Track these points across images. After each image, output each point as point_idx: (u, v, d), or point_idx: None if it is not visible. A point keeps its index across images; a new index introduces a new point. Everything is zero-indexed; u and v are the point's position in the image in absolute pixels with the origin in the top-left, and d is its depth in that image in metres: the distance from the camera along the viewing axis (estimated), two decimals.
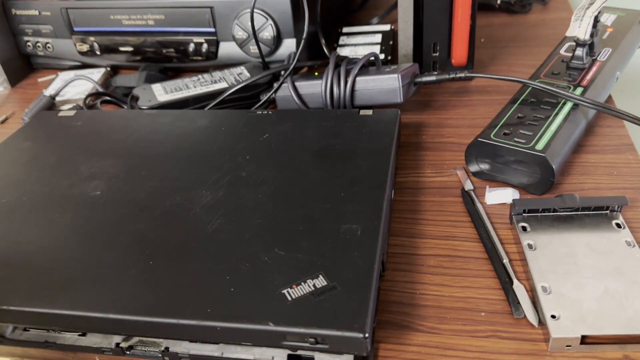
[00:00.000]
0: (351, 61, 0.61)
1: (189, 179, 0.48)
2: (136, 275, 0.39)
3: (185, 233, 0.42)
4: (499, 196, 0.50)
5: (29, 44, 0.80)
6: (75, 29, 0.76)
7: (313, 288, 0.36)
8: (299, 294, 0.36)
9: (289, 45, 0.70)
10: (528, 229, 0.45)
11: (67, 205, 0.46)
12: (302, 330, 0.34)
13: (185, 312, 0.35)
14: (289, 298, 0.35)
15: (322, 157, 0.49)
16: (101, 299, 0.37)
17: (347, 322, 0.34)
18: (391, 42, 0.75)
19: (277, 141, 0.52)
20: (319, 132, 0.53)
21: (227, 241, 0.41)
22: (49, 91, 0.72)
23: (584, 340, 0.36)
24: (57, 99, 0.71)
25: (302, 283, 0.36)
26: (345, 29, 0.81)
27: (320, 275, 0.37)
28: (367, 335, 0.33)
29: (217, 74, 0.69)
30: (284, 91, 0.62)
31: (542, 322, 0.38)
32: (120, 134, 0.56)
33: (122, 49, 0.75)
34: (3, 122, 0.72)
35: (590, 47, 0.58)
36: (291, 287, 0.36)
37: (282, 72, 0.63)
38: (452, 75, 0.58)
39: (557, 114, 0.52)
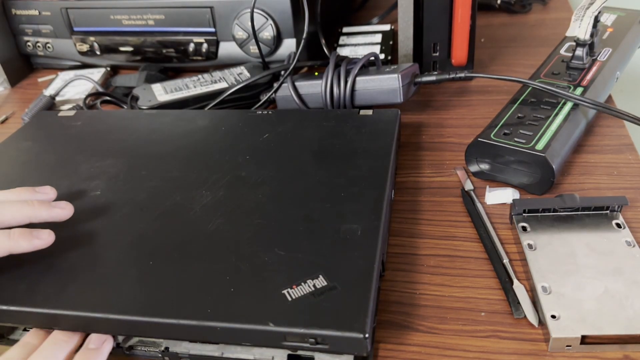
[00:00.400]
0: (351, 61, 0.61)
1: (189, 179, 0.48)
2: (136, 275, 0.39)
3: (185, 233, 0.42)
4: (499, 196, 0.50)
5: (29, 44, 0.80)
6: (75, 29, 0.76)
7: (313, 288, 0.36)
8: (299, 294, 0.36)
9: (289, 45, 0.70)
10: (528, 229, 0.45)
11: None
12: (302, 330, 0.34)
13: (185, 312, 0.35)
14: (289, 298, 0.35)
15: (322, 157, 0.49)
16: (101, 299, 0.37)
17: (347, 322, 0.34)
18: (391, 42, 0.75)
19: (277, 141, 0.52)
20: (319, 132, 0.53)
21: (227, 241, 0.41)
22: (49, 91, 0.72)
23: (584, 340, 0.36)
24: (57, 99, 0.71)
25: (302, 283, 0.36)
26: (345, 29, 0.81)
27: (320, 276, 0.37)
28: (367, 335, 0.33)
29: (217, 74, 0.69)
30: (284, 91, 0.62)
31: (542, 322, 0.38)
32: (120, 134, 0.56)
33: (122, 49, 0.75)
34: (3, 122, 0.72)
35: (590, 47, 0.58)
36: (291, 288, 0.36)
37: (282, 72, 0.63)
38: (452, 75, 0.58)
39: (557, 114, 0.52)
